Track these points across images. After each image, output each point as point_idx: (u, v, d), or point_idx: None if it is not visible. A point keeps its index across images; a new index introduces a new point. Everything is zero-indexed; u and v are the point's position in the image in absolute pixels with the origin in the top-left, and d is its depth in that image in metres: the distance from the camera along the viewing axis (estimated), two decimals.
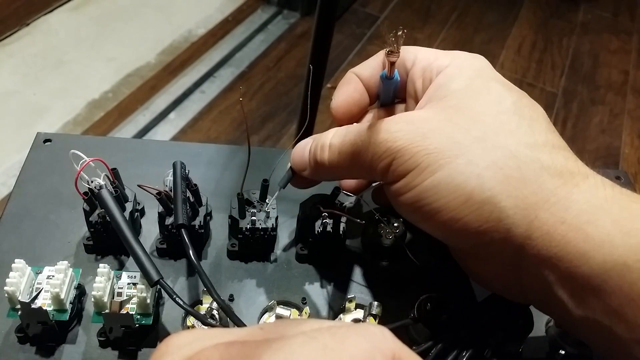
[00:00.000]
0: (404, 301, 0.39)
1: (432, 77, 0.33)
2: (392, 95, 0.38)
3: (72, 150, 0.35)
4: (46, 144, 0.47)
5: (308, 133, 0.38)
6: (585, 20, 2.06)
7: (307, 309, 0.38)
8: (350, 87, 0.36)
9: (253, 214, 0.39)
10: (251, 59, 1.65)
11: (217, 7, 1.80)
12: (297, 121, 1.19)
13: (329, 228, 0.39)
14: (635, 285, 0.26)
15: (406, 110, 0.38)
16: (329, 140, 0.34)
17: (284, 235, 0.43)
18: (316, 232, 0.39)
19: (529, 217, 0.28)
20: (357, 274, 0.42)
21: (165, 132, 1.42)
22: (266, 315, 0.38)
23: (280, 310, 0.38)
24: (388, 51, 0.32)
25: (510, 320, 0.35)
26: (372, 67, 0.37)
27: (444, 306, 0.37)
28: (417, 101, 0.35)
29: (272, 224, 0.39)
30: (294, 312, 0.38)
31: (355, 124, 0.35)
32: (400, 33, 0.29)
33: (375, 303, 0.37)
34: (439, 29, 1.88)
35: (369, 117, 0.38)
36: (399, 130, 0.30)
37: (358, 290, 0.41)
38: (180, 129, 1.43)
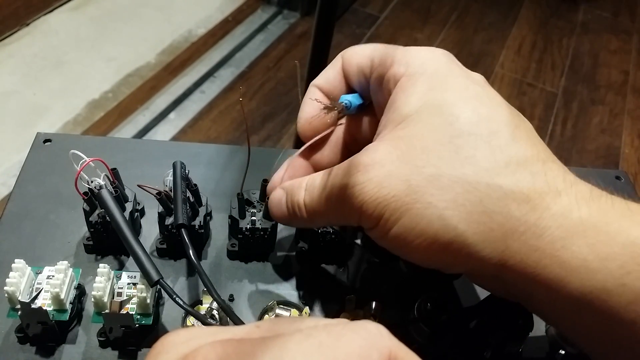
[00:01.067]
0: (404, 301, 0.40)
1: (390, 89, 0.31)
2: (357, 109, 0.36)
3: (72, 150, 0.35)
4: (46, 144, 0.47)
5: None
6: (585, 20, 2.07)
7: (307, 309, 0.38)
8: (314, 104, 0.35)
9: (253, 214, 0.39)
10: (251, 59, 1.65)
11: (217, 7, 1.80)
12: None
13: (328, 228, 0.39)
14: (616, 309, 0.25)
15: (375, 117, 0.35)
16: (302, 199, 0.33)
17: (284, 235, 0.43)
18: (316, 232, 0.39)
19: (500, 249, 0.27)
20: (357, 274, 0.42)
21: (165, 132, 1.42)
22: (266, 316, 0.38)
23: (280, 310, 0.38)
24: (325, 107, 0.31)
25: (510, 320, 0.35)
26: (331, 79, 0.35)
27: (444, 306, 0.37)
28: (380, 111, 0.33)
29: (272, 224, 0.39)
30: (294, 312, 0.38)
31: (317, 173, 0.33)
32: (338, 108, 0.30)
33: (375, 303, 0.37)
34: (439, 29, 1.88)
35: (336, 136, 0.36)
36: (357, 183, 0.28)
37: (358, 290, 0.41)
38: (180, 129, 1.43)
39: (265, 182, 0.39)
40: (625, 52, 1.95)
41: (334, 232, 0.39)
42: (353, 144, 0.36)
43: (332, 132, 0.36)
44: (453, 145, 0.27)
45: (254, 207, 0.40)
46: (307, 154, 0.36)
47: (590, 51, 1.92)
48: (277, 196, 0.35)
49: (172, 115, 1.47)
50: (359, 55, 0.34)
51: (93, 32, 1.63)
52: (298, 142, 0.87)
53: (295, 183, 0.34)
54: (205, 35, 1.70)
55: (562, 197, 0.26)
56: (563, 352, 0.38)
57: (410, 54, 0.31)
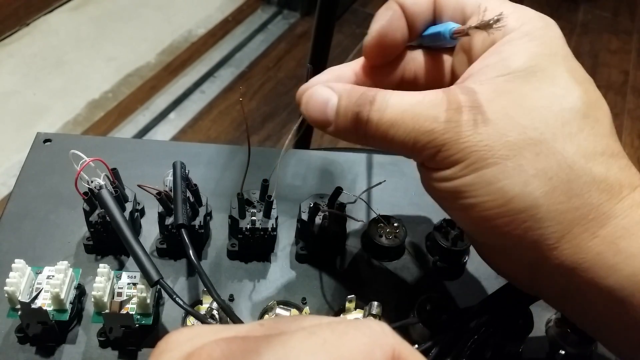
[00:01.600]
0: (404, 301, 0.40)
1: (494, 39, 0.29)
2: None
3: (72, 150, 0.35)
4: (46, 144, 0.47)
5: (308, 133, 0.37)
6: (585, 20, 2.07)
7: (307, 309, 0.38)
8: (392, 23, 0.31)
9: (253, 214, 0.39)
10: (251, 59, 1.65)
11: (217, 7, 1.80)
12: (297, 121, 1.19)
13: (328, 228, 0.39)
14: None
15: (454, 65, 0.33)
16: (367, 115, 0.29)
17: (284, 235, 0.43)
18: (316, 231, 0.39)
19: (562, 232, 0.27)
20: (357, 274, 0.42)
21: (165, 132, 1.42)
22: (266, 316, 0.38)
23: (280, 310, 0.38)
24: (476, 26, 0.26)
25: (510, 320, 0.35)
26: (420, 1, 0.32)
27: (444, 306, 0.37)
28: (470, 59, 0.31)
29: (272, 224, 0.39)
30: (293, 312, 0.38)
31: (399, 95, 0.29)
32: (502, 22, 0.25)
33: (375, 303, 0.37)
34: None
35: (406, 64, 0.33)
36: (449, 119, 0.27)
37: (358, 290, 0.41)
38: (180, 129, 1.43)
39: (265, 181, 0.39)
40: (625, 52, 1.95)
41: (334, 232, 0.39)
42: (410, 83, 0.33)
43: (400, 55, 0.33)
44: (561, 118, 0.27)
45: (254, 207, 0.40)
46: (358, 71, 0.33)
47: (590, 51, 1.92)
48: (323, 95, 0.31)
49: (172, 115, 1.47)
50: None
51: (93, 32, 1.63)
52: (298, 142, 0.87)
53: (356, 90, 0.30)
54: (205, 35, 1.70)
55: (636, 192, 0.27)
56: (563, 352, 0.38)
57: (526, 14, 0.30)
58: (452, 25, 0.29)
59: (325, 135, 1.00)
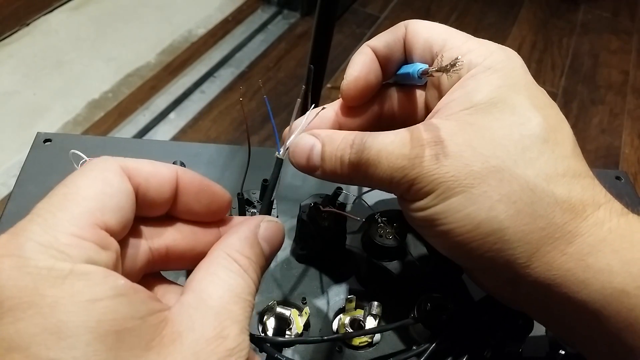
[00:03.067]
0: (404, 301, 0.40)
1: (460, 74, 0.31)
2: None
3: (72, 150, 0.35)
4: (46, 143, 0.47)
5: None
6: (585, 20, 2.07)
7: (307, 309, 0.38)
8: (366, 67, 0.34)
9: (253, 214, 0.39)
10: (251, 59, 1.65)
11: (217, 7, 1.80)
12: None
13: (329, 228, 0.39)
14: (633, 311, 0.26)
15: (427, 100, 0.35)
16: (347, 155, 0.31)
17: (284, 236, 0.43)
18: (316, 231, 0.39)
19: (531, 251, 0.28)
20: (357, 274, 0.42)
21: (165, 132, 1.42)
22: (266, 316, 0.38)
23: (280, 310, 0.38)
24: (437, 69, 0.28)
25: (510, 320, 0.35)
26: (390, 44, 0.34)
27: (444, 306, 0.37)
28: (440, 93, 0.32)
29: None
30: (294, 312, 0.38)
31: (374, 137, 0.31)
32: (458, 64, 0.27)
33: (375, 303, 0.37)
34: None
35: (380, 102, 0.36)
36: (415, 156, 0.29)
37: (358, 290, 0.41)
38: (180, 129, 1.43)
39: (265, 182, 0.39)
40: (625, 52, 1.95)
41: (334, 232, 0.39)
42: (388, 118, 0.36)
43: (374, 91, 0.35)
44: (521, 145, 0.29)
45: (254, 207, 0.40)
46: (338, 111, 0.35)
47: (590, 51, 1.93)
48: (309, 143, 0.33)
49: (172, 115, 1.47)
50: (430, 31, 0.33)
51: (93, 32, 1.63)
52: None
53: (339, 134, 0.32)
54: (205, 35, 1.70)
55: (600, 210, 0.28)
56: (563, 352, 0.38)
57: (488, 48, 0.32)
58: (420, 66, 0.31)
59: None
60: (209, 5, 1.80)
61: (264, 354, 0.36)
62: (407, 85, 0.36)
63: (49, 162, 0.46)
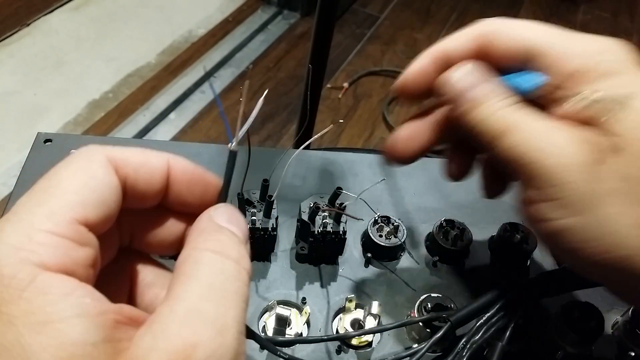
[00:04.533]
0: (404, 301, 0.40)
1: (569, 87, 0.27)
2: None
3: (73, 150, 0.35)
4: (47, 144, 0.47)
5: (308, 133, 0.38)
6: (585, 21, 2.07)
7: (307, 309, 0.38)
8: (429, 65, 0.31)
9: (253, 214, 0.39)
10: (251, 59, 1.65)
11: (217, 8, 1.80)
12: (297, 121, 1.19)
13: (329, 228, 0.39)
14: None
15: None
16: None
17: (284, 235, 0.43)
18: (316, 232, 0.39)
19: None
20: (357, 274, 0.42)
21: (165, 132, 1.42)
22: (266, 315, 0.38)
23: (280, 310, 0.38)
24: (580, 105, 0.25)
25: (581, 323, 0.35)
26: (465, 48, 0.31)
27: (444, 306, 0.37)
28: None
29: (272, 224, 0.39)
30: (294, 312, 0.38)
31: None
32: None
33: (375, 303, 0.37)
34: (438, 29, 1.88)
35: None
36: (556, 154, 0.26)
37: (358, 290, 0.41)
38: (180, 129, 1.43)
39: (266, 181, 0.39)
40: None
41: (334, 232, 0.40)
42: (452, 128, 0.32)
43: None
44: None
45: (254, 207, 0.40)
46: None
47: None
48: (408, 129, 0.32)
49: (172, 115, 1.47)
50: (509, 39, 0.30)
51: (93, 33, 1.63)
52: (298, 142, 0.87)
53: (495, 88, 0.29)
54: (206, 36, 1.70)
55: None
56: (633, 353, 0.38)
57: (597, 51, 0.27)
58: (536, 80, 0.27)
59: (326, 136, 0.99)
60: (209, 6, 1.80)
61: (265, 353, 0.36)
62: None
63: (49, 162, 0.45)
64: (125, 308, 0.20)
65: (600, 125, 0.26)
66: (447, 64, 0.31)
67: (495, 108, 0.28)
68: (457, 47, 0.31)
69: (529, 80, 0.28)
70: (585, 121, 0.27)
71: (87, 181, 0.21)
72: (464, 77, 0.29)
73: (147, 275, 0.25)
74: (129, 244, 0.25)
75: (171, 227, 0.25)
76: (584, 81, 0.27)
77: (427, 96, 0.32)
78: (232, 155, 0.25)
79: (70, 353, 0.18)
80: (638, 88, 0.26)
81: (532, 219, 0.28)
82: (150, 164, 0.24)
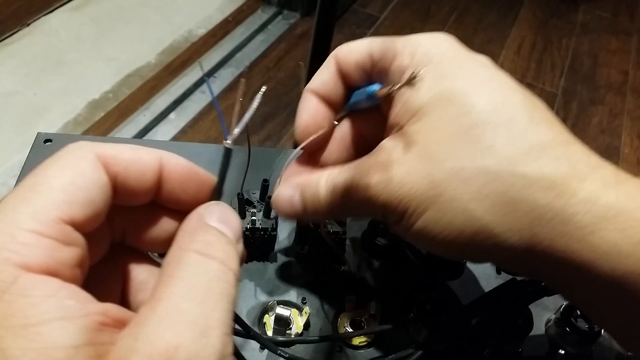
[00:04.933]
0: (404, 301, 0.40)
1: (396, 81, 0.30)
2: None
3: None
4: (47, 144, 0.47)
5: None
6: (585, 21, 2.07)
7: (307, 309, 0.38)
8: (312, 113, 0.33)
9: (253, 214, 0.39)
10: (251, 59, 1.65)
11: (217, 8, 1.80)
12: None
13: (329, 228, 0.39)
14: None
15: (380, 113, 0.33)
16: (322, 196, 0.32)
17: (284, 235, 0.43)
18: (316, 232, 0.39)
19: (526, 236, 0.26)
20: (357, 274, 0.42)
21: (165, 132, 1.42)
22: (266, 315, 0.38)
23: (280, 310, 0.38)
24: (394, 89, 0.28)
25: (509, 320, 0.35)
26: (328, 81, 0.33)
27: (444, 306, 0.37)
28: (387, 106, 0.31)
29: (272, 224, 0.39)
30: (294, 312, 0.38)
31: (336, 169, 0.32)
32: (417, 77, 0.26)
33: (375, 303, 0.37)
34: (438, 29, 1.88)
35: (340, 136, 0.35)
36: (378, 184, 0.28)
37: (358, 290, 0.41)
38: (180, 129, 1.43)
39: (266, 182, 0.39)
40: (624, 52, 1.95)
41: (334, 232, 0.40)
42: (360, 142, 0.35)
43: (329, 132, 0.34)
44: (471, 136, 0.27)
45: (254, 207, 0.40)
46: (311, 155, 0.35)
47: (589, 51, 1.93)
48: (288, 193, 0.34)
49: (172, 115, 1.47)
50: (356, 52, 0.32)
51: (93, 33, 1.63)
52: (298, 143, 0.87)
53: (312, 179, 0.32)
54: (206, 36, 1.70)
55: (588, 182, 0.26)
56: (563, 351, 0.38)
57: (412, 43, 0.30)
58: (368, 91, 0.30)
59: None
60: (209, 6, 1.80)
61: (265, 353, 0.36)
62: (366, 108, 0.35)
63: None
64: (111, 309, 0.20)
65: (402, 133, 0.29)
66: (324, 101, 0.33)
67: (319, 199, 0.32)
68: (323, 84, 0.33)
69: (364, 93, 0.31)
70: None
71: (74, 179, 0.21)
72: (280, 200, 0.33)
73: (140, 273, 0.25)
74: (122, 241, 0.25)
75: (164, 224, 0.25)
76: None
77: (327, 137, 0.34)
78: (228, 152, 0.25)
79: (51, 357, 0.17)
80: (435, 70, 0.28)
81: (398, 232, 0.30)
82: (141, 161, 0.23)
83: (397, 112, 0.30)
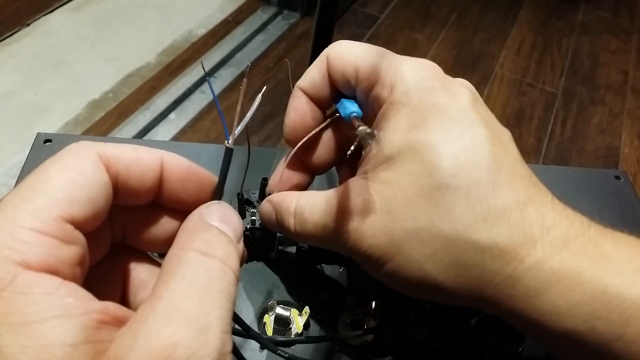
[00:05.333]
0: (404, 301, 0.40)
1: (375, 110, 0.31)
2: None
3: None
4: (47, 144, 0.47)
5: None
6: (585, 21, 2.07)
7: (307, 309, 0.38)
8: (300, 112, 0.33)
9: (253, 214, 0.39)
10: (251, 60, 1.65)
11: (217, 8, 1.80)
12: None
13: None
14: (592, 345, 0.26)
15: (367, 118, 0.33)
16: (292, 225, 0.32)
17: (284, 235, 0.43)
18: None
19: (476, 295, 0.28)
20: (357, 273, 0.42)
21: (165, 132, 1.42)
22: (266, 315, 0.38)
23: (280, 310, 0.38)
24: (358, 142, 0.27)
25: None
26: (317, 82, 0.33)
27: (444, 306, 0.37)
28: (370, 119, 0.32)
29: None
30: (294, 312, 0.38)
31: (306, 203, 0.32)
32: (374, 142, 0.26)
33: (375, 303, 0.37)
34: (438, 29, 1.88)
35: (328, 139, 0.35)
36: (344, 232, 0.29)
37: (358, 290, 0.41)
38: (180, 129, 1.43)
39: (265, 181, 0.39)
40: (624, 52, 1.95)
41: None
42: (346, 144, 0.35)
43: (319, 132, 0.34)
44: (432, 198, 0.27)
45: (254, 207, 0.40)
46: (300, 157, 0.35)
47: (589, 51, 1.93)
48: (267, 210, 0.35)
49: (172, 115, 1.47)
50: (344, 62, 0.31)
51: (93, 33, 1.63)
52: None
53: (284, 203, 0.33)
54: (206, 36, 1.70)
55: (537, 248, 0.26)
56: None
57: (395, 72, 0.30)
58: (351, 112, 0.30)
59: None
60: (209, 6, 1.80)
61: (265, 353, 0.36)
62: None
63: None
64: (111, 307, 0.20)
65: (370, 178, 0.29)
66: (313, 100, 0.33)
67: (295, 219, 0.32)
68: (312, 83, 0.33)
69: (347, 109, 0.31)
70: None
71: (75, 178, 0.21)
72: (262, 215, 0.35)
73: (141, 272, 0.25)
74: (123, 240, 0.25)
75: (165, 224, 0.25)
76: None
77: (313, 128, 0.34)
78: (229, 152, 0.25)
79: (50, 354, 0.17)
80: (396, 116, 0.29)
81: (370, 271, 0.31)
82: (142, 160, 0.23)
83: (370, 153, 0.30)
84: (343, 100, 0.32)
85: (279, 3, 1.84)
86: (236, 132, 0.25)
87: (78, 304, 0.19)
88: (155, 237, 0.25)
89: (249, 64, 0.41)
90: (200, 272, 0.20)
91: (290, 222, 0.32)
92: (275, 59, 1.67)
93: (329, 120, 0.34)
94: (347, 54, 0.31)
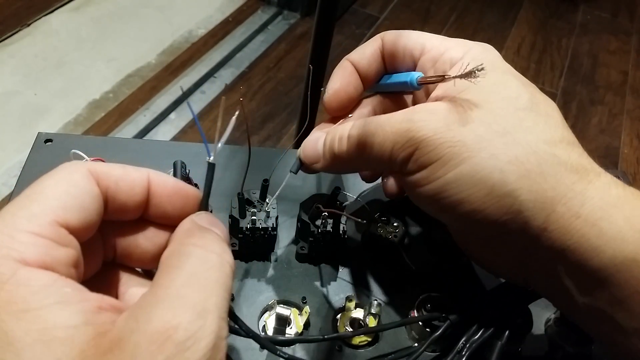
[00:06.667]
0: (404, 301, 0.40)
1: (445, 69, 0.33)
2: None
3: (73, 150, 0.36)
4: (47, 144, 0.47)
5: (308, 133, 0.38)
6: (585, 21, 2.07)
7: (307, 308, 0.38)
8: (345, 80, 0.36)
9: (253, 214, 0.39)
10: (251, 60, 1.65)
11: (218, 8, 1.80)
12: (297, 121, 1.19)
13: (329, 228, 0.39)
14: None
15: (414, 101, 0.37)
16: (347, 132, 0.33)
17: (284, 235, 0.43)
18: (316, 232, 0.39)
19: (547, 211, 0.28)
20: (357, 273, 0.42)
21: (165, 132, 1.42)
22: (266, 315, 0.38)
23: (280, 309, 0.38)
24: (444, 77, 0.31)
25: (508, 320, 0.35)
26: (368, 56, 0.36)
27: (444, 306, 0.37)
28: (427, 93, 0.34)
29: (272, 224, 0.39)
30: (294, 312, 0.38)
31: (372, 116, 0.34)
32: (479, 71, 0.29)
33: (375, 303, 0.38)
34: (438, 29, 1.88)
35: (366, 107, 0.37)
36: (422, 119, 0.30)
37: (358, 290, 0.41)
38: (180, 129, 1.43)
39: (266, 181, 0.39)
40: (624, 53, 1.95)
41: (334, 232, 0.40)
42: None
43: (356, 103, 0.37)
44: (517, 116, 0.30)
45: (254, 206, 0.40)
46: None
47: (589, 51, 1.93)
48: (316, 135, 0.36)
49: (172, 115, 1.47)
50: (407, 39, 0.35)
51: (94, 33, 1.64)
52: (298, 143, 0.87)
53: (340, 126, 0.35)
54: (206, 36, 1.70)
55: (602, 177, 0.29)
56: (563, 351, 0.38)
57: (465, 44, 0.34)
58: (416, 75, 0.33)
59: None
60: (209, 6, 1.80)
61: (265, 353, 0.36)
62: (392, 92, 0.37)
63: (49, 162, 0.46)
64: (106, 298, 0.21)
65: (453, 99, 0.31)
66: (359, 73, 0.36)
67: (342, 134, 0.34)
68: (363, 57, 0.36)
69: (411, 76, 0.33)
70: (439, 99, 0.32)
71: (68, 189, 0.22)
72: (308, 143, 0.36)
73: (132, 288, 0.26)
74: (113, 257, 0.26)
75: (154, 238, 0.26)
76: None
77: (353, 107, 0.37)
78: (211, 167, 0.26)
79: (52, 336, 0.19)
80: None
81: (414, 185, 0.31)
82: (130, 176, 0.25)
83: (446, 88, 0.32)
84: (385, 75, 0.36)
85: (279, 3, 1.84)
86: (218, 146, 0.26)
87: (75, 293, 0.20)
88: (144, 252, 0.26)
89: (227, 84, 0.43)
90: (200, 264, 0.22)
91: (346, 130, 0.33)
92: (275, 59, 1.67)
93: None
94: (408, 33, 0.35)
